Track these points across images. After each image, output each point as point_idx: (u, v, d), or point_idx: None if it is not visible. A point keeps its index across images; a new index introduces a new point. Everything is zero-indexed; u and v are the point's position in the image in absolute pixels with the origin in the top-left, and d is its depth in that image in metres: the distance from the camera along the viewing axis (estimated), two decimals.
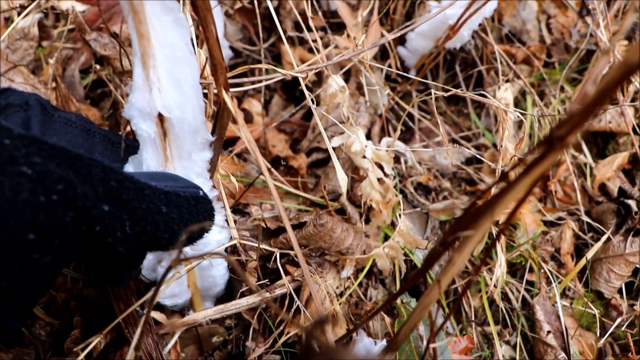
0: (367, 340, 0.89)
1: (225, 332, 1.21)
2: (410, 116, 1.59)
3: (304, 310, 1.13)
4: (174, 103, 0.80)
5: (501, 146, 1.28)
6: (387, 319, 1.25)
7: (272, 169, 1.39)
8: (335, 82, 1.25)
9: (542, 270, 1.39)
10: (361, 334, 0.90)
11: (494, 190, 0.95)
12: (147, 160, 0.86)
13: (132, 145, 0.92)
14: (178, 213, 0.78)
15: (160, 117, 0.81)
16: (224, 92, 0.84)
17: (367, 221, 1.31)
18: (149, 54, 0.76)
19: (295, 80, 1.62)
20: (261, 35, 1.53)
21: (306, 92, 1.17)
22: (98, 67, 1.51)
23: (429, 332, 0.91)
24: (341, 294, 1.25)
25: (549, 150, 0.54)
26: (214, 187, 0.96)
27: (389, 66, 1.59)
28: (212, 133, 0.91)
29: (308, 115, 1.61)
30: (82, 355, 0.99)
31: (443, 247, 0.71)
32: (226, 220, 1.06)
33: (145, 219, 0.73)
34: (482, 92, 1.28)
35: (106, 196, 0.68)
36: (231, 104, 0.84)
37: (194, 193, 0.82)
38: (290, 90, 1.68)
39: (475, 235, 0.66)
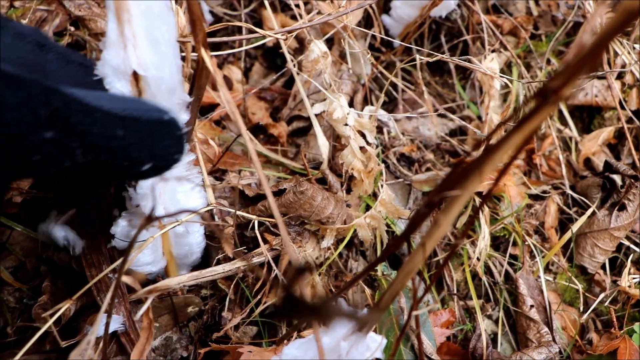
0: (347, 309, 0.86)
1: (200, 302, 1.18)
2: (394, 86, 1.56)
3: (282, 279, 1.10)
4: (150, 61, 0.76)
5: (487, 114, 1.25)
6: (368, 291, 1.23)
7: (252, 137, 1.36)
8: (318, 47, 1.21)
9: (526, 244, 1.37)
10: (341, 303, 0.87)
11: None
12: None
13: (89, 65, 0.82)
14: (138, 138, 0.70)
15: (135, 75, 0.77)
16: (202, 50, 0.80)
17: (349, 191, 1.28)
18: (123, 7, 0.72)
19: (276, 48, 1.59)
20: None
21: (287, 56, 1.13)
22: (73, 29, 1.46)
23: (412, 302, 0.89)
24: (321, 265, 1.22)
25: (543, 103, 0.51)
26: (190, 150, 0.92)
27: (373, 35, 1.56)
28: (190, 94, 0.87)
29: (289, 83, 1.57)
30: (51, 321, 0.96)
31: (428, 209, 0.69)
32: (203, 186, 1.03)
33: (98, 146, 0.66)
34: (470, 58, 1.25)
35: (49, 120, 0.61)
36: (210, 63, 0.80)
37: (158, 117, 0.73)
38: (272, 58, 1.64)
39: (462, 195, 0.63)
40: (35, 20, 1.54)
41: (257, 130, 1.45)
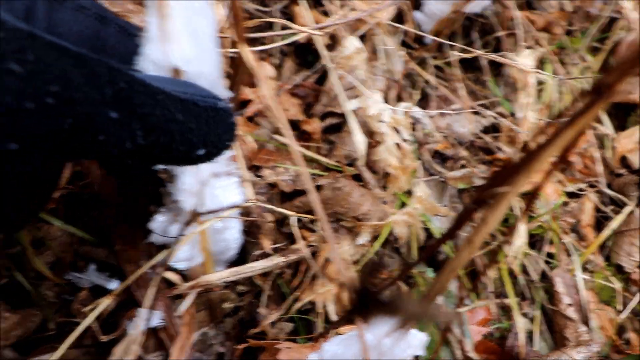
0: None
1: (236, 298, 1.18)
2: (426, 82, 1.55)
3: (321, 275, 1.10)
4: (191, 55, 0.76)
5: (524, 111, 1.24)
6: (404, 288, 1.22)
7: (289, 133, 1.35)
8: (352, 43, 1.21)
9: (562, 242, 1.35)
10: (383, 299, 0.86)
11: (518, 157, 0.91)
12: None
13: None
14: (196, 123, 0.71)
15: (176, 71, 0.77)
16: (243, 45, 0.80)
17: (384, 188, 1.28)
18: (165, 2, 0.72)
19: (308, 44, 1.58)
20: None
21: (324, 52, 1.13)
22: None
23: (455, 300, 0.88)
24: (356, 262, 1.22)
25: (597, 98, 0.50)
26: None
27: (405, 32, 1.55)
28: (229, 90, 0.87)
29: (321, 79, 1.56)
30: (92, 316, 0.96)
31: (476, 205, 0.68)
32: (242, 182, 1.03)
33: (159, 128, 0.66)
34: (504, 54, 1.24)
35: (114, 100, 0.60)
36: (250, 59, 0.80)
37: (213, 104, 0.74)
38: (303, 55, 1.63)
39: (512, 192, 0.62)
40: None
41: (291, 125, 1.44)
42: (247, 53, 0.79)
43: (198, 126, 0.71)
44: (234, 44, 0.83)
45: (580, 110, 0.52)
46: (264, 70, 1.54)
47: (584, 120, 0.53)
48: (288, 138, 0.78)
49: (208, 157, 0.76)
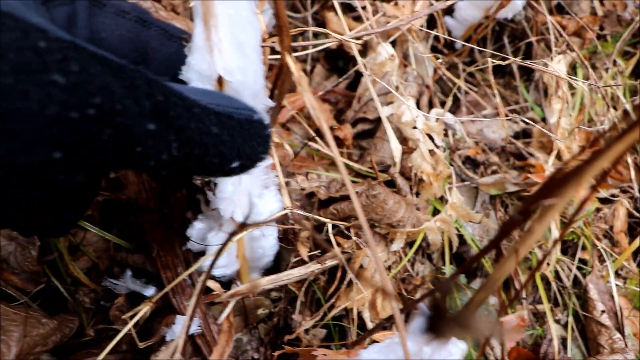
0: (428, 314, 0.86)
1: (270, 304, 1.18)
2: (457, 88, 1.55)
3: (356, 282, 1.10)
4: (235, 65, 0.76)
5: (559, 118, 1.24)
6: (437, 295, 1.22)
7: (318, 139, 1.36)
8: (385, 50, 1.21)
9: (596, 248, 1.35)
10: (422, 307, 0.86)
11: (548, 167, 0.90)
12: None
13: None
14: (229, 136, 0.71)
15: (220, 80, 0.77)
16: (287, 55, 0.80)
17: (416, 194, 1.28)
18: (211, 12, 0.72)
19: (339, 50, 1.59)
20: (309, 1, 1.50)
21: (359, 59, 1.13)
22: None
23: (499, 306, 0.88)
24: (389, 268, 1.22)
25: None
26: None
27: (435, 37, 1.55)
28: (271, 98, 0.87)
29: (352, 85, 1.57)
30: (131, 323, 0.97)
31: (522, 216, 0.68)
32: (279, 189, 1.03)
33: (193, 141, 0.66)
34: (542, 61, 1.24)
35: (152, 113, 0.61)
36: (295, 68, 0.80)
37: (249, 116, 0.74)
38: (334, 60, 1.64)
39: (559, 204, 0.62)
40: None
41: (322, 133, 1.44)
42: (292, 62, 0.79)
43: (232, 139, 0.72)
44: (275, 52, 0.83)
45: (632, 124, 0.52)
46: (305, 79, 1.55)
47: (634, 134, 0.53)
48: (330, 142, 0.78)
49: (242, 169, 0.77)
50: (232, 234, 0.68)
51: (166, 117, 0.62)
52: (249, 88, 0.79)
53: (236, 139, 0.72)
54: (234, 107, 0.73)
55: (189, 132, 0.65)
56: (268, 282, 0.95)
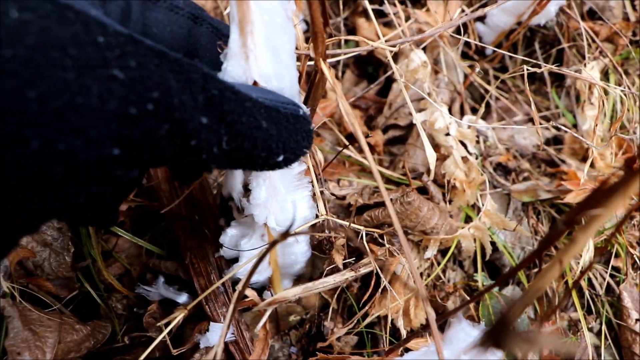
0: (465, 322, 0.85)
1: (302, 311, 1.18)
2: (487, 94, 1.54)
3: (390, 289, 1.09)
4: (271, 72, 0.76)
5: (595, 125, 1.23)
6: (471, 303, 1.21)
7: (349, 145, 1.35)
8: (418, 56, 1.21)
9: (630, 256, 1.33)
10: (458, 315, 0.86)
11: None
12: None
13: None
14: (277, 130, 0.72)
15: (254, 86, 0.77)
16: (321, 62, 0.80)
17: (449, 202, 1.27)
18: (247, 19, 0.72)
19: (369, 56, 1.58)
20: (341, 7, 1.49)
21: (393, 66, 1.13)
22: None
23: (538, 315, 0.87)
24: (421, 275, 1.21)
25: None
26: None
27: (465, 43, 1.55)
28: (305, 104, 0.87)
29: (382, 91, 1.56)
30: (166, 330, 0.97)
31: (566, 226, 0.67)
32: (313, 196, 1.03)
33: (243, 134, 0.68)
34: (575, 67, 1.23)
35: (206, 107, 0.62)
36: (329, 75, 0.80)
37: (295, 111, 0.76)
38: (363, 66, 1.63)
39: (605, 214, 0.62)
40: None
41: (352, 138, 1.44)
42: (326, 69, 0.79)
43: (279, 133, 0.73)
44: (310, 59, 0.83)
45: None
46: (339, 86, 1.55)
47: None
48: (366, 154, 0.77)
49: (286, 162, 0.78)
50: (274, 243, 0.67)
51: (219, 111, 0.63)
52: (285, 93, 0.79)
53: (282, 133, 0.73)
54: (281, 101, 0.74)
55: (239, 126, 0.66)
56: (303, 290, 0.94)
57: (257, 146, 0.70)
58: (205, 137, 0.64)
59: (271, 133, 0.71)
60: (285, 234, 0.65)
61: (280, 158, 0.75)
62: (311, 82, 0.87)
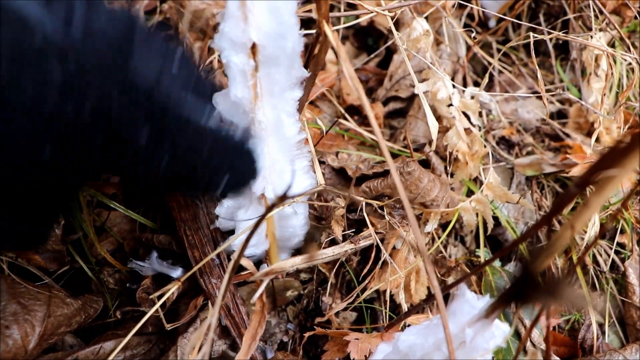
0: (469, 295, 0.82)
1: (300, 286, 1.15)
2: (491, 67, 1.51)
3: (391, 262, 1.06)
4: (272, 33, 0.73)
5: (603, 96, 1.19)
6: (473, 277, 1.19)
7: (348, 117, 1.32)
8: (421, 25, 1.17)
9: (635, 232, 1.30)
10: (462, 287, 0.83)
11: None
12: (236, 97, 0.80)
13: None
14: (218, 160, 0.73)
15: (253, 48, 0.74)
16: (324, 23, 0.76)
17: (451, 174, 1.24)
18: None
19: (369, 26, 1.55)
20: None
21: (395, 33, 1.09)
22: (166, 6, 1.44)
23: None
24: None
25: None
26: (301, 129, 0.89)
27: (468, 14, 1.51)
28: (305, 69, 0.84)
29: (383, 63, 1.53)
30: (159, 303, 0.94)
31: (578, 188, 0.64)
32: (311, 166, 0.99)
33: (183, 159, 0.68)
34: (583, 35, 1.19)
35: (146, 122, 0.61)
36: (333, 37, 0.76)
37: (240, 142, 0.76)
38: (363, 38, 1.60)
39: (621, 175, 0.58)
40: None
41: (352, 110, 1.41)
42: (330, 32, 0.75)
43: (220, 163, 0.73)
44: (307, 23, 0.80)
45: None
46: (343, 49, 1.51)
47: None
48: (372, 124, 0.74)
49: (229, 190, 0.80)
50: (270, 209, 0.64)
51: (161, 129, 0.63)
52: (286, 56, 0.76)
53: (224, 164, 0.74)
54: (225, 131, 0.74)
55: (180, 150, 0.66)
56: (302, 261, 0.91)
57: (197, 171, 0.71)
58: (143, 154, 0.63)
59: (212, 161, 0.72)
60: (283, 197, 0.62)
61: (222, 186, 0.75)
62: (312, 45, 0.83)
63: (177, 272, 1.08)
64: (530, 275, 0.53)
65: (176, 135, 0.64)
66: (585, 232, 1.19)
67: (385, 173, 1.13)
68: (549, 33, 1.51)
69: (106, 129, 0.57)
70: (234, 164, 0.75)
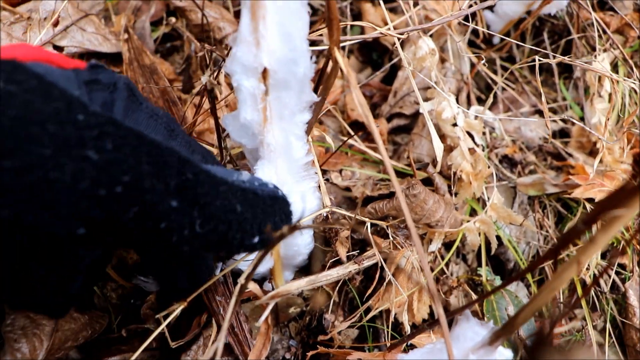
0: (473, 321, 0.83)
1: (302, 303, 1.16)
2: (494, 84, 1.52)
3: (395, 283, 1.07)
4: (284, 59, 0.73)
5: (607, 119, 1.20)
6: (473, 296, 1.19)
7: (353, 134, 1.32)
8: (426, 44, 1.18)
9: (636, 253, 1.31)
10: (466, 313, 0.84)
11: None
12: (245, 119, 0.80)
13: (210, 158, 0.85)
14: (252, 213, 0.73)
15: (264, 73, 0.75)
16: (336, 50, 0.77)
17: (455, 194, 1.24)
18: (259, 3, 0.69)
19: (374, 42, 1.55)
20: None
21: (402, 53, 1.10)
22: (173, 19, 1.45)
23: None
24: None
25: None
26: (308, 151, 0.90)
27: (473, 31, 1.52)
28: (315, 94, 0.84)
29: (387, 79, 1.53)
30: (165, 322, 0.95)
31: (586, 226, 0.65)
32: (318, 187, 1.00)
33: (217, 217, 0.68)
34: (585, 59, 1.20)
35: (177, 190, 0.63)
36: (344, 64, 0.77)
37: (272, 192, 0.77)
38: (368, 53, 1.60)
39: (627, 215, 0.59)
40: (131, 10, 1.54)
41: (356, 126, 1.41)
42: (341, 59, 0.76)
43: (254, 215, 0.73)
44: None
45: None
46: (354, 75, 1.52)
47: None
48: (380, 148, 0.75)
49: (263, 244, 0.77)
50: (281, 236, 0.65)
51: (193, 194, 0.64)
52: (298, 81, 0.76)
53: (258, 216, 0.74)
54: (259, 184, 0.76)
55: (213, 209, 0.67)
56: (307, 283, 0.92)
57: (232, 229, 0.71)
58: (175, 220, 0.64)
59: (246, 216, 0.72)
60: (293, 227, 0.63)
61: (256, 239, 0.75)
62: (322, 70, 0.84)
63: None
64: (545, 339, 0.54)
65: (208, 194, 0.66)
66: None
67: (391, 195, 1.14)
68: (553, 50, 1.53)
69: (138, 202, 0.59)
70: (268, 212, 0.76)
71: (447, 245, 1.26)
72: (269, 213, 0.76)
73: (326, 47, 0.81)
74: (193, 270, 0.88)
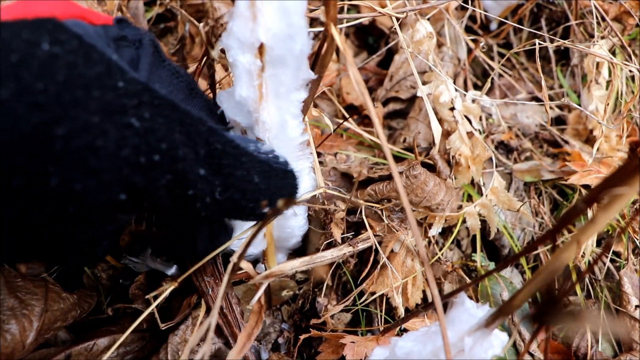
0: (469, 303, 0.82)
1: (295, 286, 1.15)
2: (491, 70, 1.51)
3: (390, 266, 1.06)
4: (281, 34, 0.72)
5: (606, 104, 1.19)
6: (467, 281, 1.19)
7: (348, 117, 1.31)
8: (424, 27, 1.16)
9: (631, 241, 1.30)
10: (462, 296, 0.83)
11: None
12: (241, 96, 0.79)
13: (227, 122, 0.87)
14: (266, 184, 0.75)
15: (261, 48, 0.73)
16: (332, 26, 0.75)
17: (454, 178, 1.23)
18: None
19: (370, 25, 1.54)
20: None
21: (400, 35, 1.09)
22: None
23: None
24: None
25: None
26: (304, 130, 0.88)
27: (471, 17, 1.51)
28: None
29: (383, 63, 1.52)
30: (155, 303, 0.94)
31: (586, 204, 0.64)
32: (313, 168, 0.99)
33: (236, 186, 0.71)
34: (583, 45, 1.19)
35: (205, 159, 0.65)
36: (340, 41, 0.76)
37: (284, 166, 0.78)
38: (364, 37, 1.59)
39: (629, 193, 0.58)
40: None
41: (351, 110, 1.40)
42: (337, 35, 0.74)
43: (267, 186, 0.75)
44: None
45: None
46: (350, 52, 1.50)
47: None
48: (377, 128, 0.73)
49: (273, 213, 0.78)
50: (273, 213, 0.64)
51: (218, 164, 0.67)
52: (294, 58, 0.75)
53: (271, 187, 0.77)
54: (273, 156, 0.78)
55: (233, 179, 0.70)
56: (301, 264, 0.91)
57: (246, 197, 0.73)
58: (201, 188, 0.66)
59: (260, 187, 0.74)
60: (289, 202, 0.62)
61: (266, 209, 0.77)
62: (319, 48, 0.82)
63: (171, 270, 1.07)
64: (553, 301, 0.53)
65: (231, 165, 0.68)
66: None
67: (391, 176, 1.13)
68: (551, 38, 1.51)
69: (172, 170, 0.61)
70: (279, 184, 0.78)
71: (444, 232, 1.25)
72: (279, 185, 0.78)
73: (322, 29, 0.80)
74: (212, 232, 0.89)
